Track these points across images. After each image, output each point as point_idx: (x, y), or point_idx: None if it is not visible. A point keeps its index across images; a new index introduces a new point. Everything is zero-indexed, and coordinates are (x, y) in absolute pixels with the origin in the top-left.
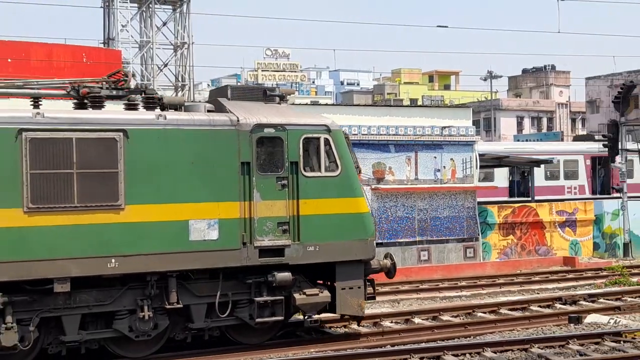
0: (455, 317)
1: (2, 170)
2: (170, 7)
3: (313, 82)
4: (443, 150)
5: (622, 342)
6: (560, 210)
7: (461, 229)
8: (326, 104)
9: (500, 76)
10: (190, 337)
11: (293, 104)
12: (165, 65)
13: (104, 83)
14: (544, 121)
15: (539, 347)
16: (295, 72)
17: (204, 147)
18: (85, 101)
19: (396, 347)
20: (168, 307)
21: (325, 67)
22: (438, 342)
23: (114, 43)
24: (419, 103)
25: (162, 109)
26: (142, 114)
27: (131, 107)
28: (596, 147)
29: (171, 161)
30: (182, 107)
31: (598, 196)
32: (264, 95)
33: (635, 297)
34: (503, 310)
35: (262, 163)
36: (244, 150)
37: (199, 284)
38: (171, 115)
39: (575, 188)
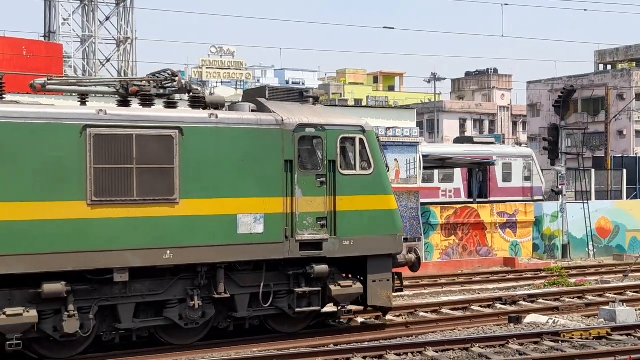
0: (398, 316)
1: (68, 165)
2: (113, 1)
3: (258, 80)
4: (387, 151)
5: (560, 342)
6: (501, 211)
7: (404, 229)
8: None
9: (444, 78)
10: (232, 325)
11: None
12: (108, 60)
13: (152, 82)
14: (486, 124)
15: (479, 347)
16: (241, 70)
17: (252, 145)
18: (129, 99)
19: (339, 347)
20: (216, 296)
21: (270, 66)
22: (381, 341)
23: (55, 37)
24: (364, 103)
25: (204, 108)
26: (196, 113)
27: (170, 105)
28: (474, 150)
29: (222, 158)
30: (223, 106)
31: (535, 198)
32: (300, 96)
33: (573, 298)
34: (445, 310)
35: (303, 161)
36: (288, 148)
37: (244, 275)
38: (222, 114)
39: (450, 191)
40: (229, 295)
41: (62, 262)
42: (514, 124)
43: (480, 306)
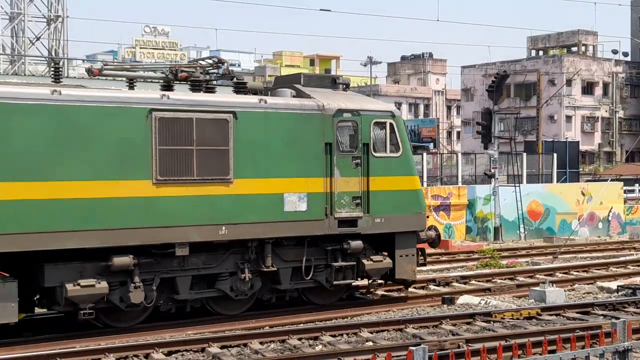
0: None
1: (136, 146)
2: None
3: None
4: None
5: (492, 322)
6: (435, 194)
7: None
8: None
9: (380, 62)
10: (274, 297)
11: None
12: (38, 38)
13: (199, 68)
14: (421, 107)
15: (413, 327)
16: (175, 50)
17: (296, 129)
18: (172, 84)
19: (275, 329)
20: (264, 269)
21: (205, 47)
22: (316, 323)
23: None
24: None
25: (245, 94)
26: (248, 98)
27: (209, 90)
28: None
29: (270, 141)
30: (262, 92)
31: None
32: (333, 83)
33: (504, 279)
34: (380, 292)
35: (341, 144)
36: (327, 132)
37: (287, 250)
38: (270, 100)
39: None
40: (275, 269)
41: (131, 236)
42: (449, 108)
43: (414, 287)
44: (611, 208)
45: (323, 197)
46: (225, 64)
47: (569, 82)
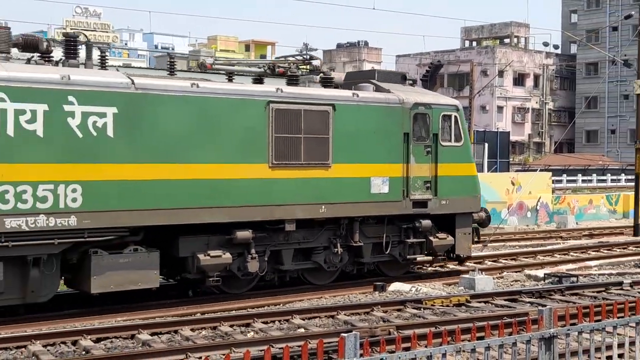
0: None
1: (256, 134)
2: None
3: (125, 44)
4: None
5: (422, 309)
6: None
7: None
8: (140, 68)
9: (316, 49)
10: (355, 270)
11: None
12: None
13: (293, 64)
14: None
15: (345, 314)
16: (107, 32)
17: (382, 120)
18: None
19: (206, 315)
20: (353, 244)
21: (139, 30)
22: (248, 309)
23: None
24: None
25: (326, 87)
26: (344, 92)
27: (292, 81)
28: None
29: (360, 130)
30: (338, 86)
31: None
32: (403, 79)
33: (435, 267)
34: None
35: (415, 134)
36: (406, 123)
37: (370, 228)
38: (362, 93)
39: None
40: (362, 244)
41: (251, 213)
42: None
43: (349, 276)
44: (539, 198)
45: (401, 181)
46: (320, 61)
47: (500, 73)
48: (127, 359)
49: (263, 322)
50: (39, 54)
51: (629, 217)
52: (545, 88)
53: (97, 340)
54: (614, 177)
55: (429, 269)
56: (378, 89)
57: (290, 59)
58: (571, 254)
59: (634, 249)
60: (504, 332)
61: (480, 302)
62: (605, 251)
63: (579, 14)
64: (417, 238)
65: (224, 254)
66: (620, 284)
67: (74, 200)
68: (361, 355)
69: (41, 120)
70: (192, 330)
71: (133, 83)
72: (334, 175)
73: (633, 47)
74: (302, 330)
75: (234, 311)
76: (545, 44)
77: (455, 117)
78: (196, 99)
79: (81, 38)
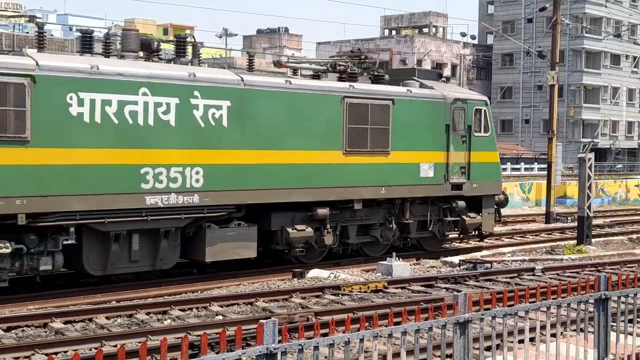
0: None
1: (334, 124)
2: None
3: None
4: None
5: (340, 295)
6: None
7: None
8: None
9: (236, 35)
10: (402, 244)
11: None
12: None
13: (350, 62)
14: None
15: (264, 301)
16: (19, 12)
17: (429, 113)
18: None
19: (122, 303)
20: (404, 221)
21: (53, 10)
22: (165, 297)
23: None
24: None
25: (375, 82)
26: (401, 89)
27: (349, 78)
28: None
29: (412, 122)
30: (388, 82)
31: None
32: (439, 76)
33: (462, 242)
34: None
35: (454, 125)
36: (447, 116)
37: (416, 207)
38: (414, 90)
39: None
40: (411, 221)
41: (329, 194)
42: None
43: (267, 263)
44: None
45: (443, 167)
46: (375, 60)
47: (419, 62)
48: (39, 348)
49: (180, 310)
50: (148, 52)
51: (541, 205)
52: (463, 78)
53: (8, 330)
54: (527, 166)
55: (461, 244)
56: (422, 85)
57: (356, 58)
58: (485, 240)
59: (545, 236)
60: (420, 317)
61: (397, 287)
62: (519, 238)
63: (496, 5)
64: (453, 217)
65: (307, 228)
66: (532, 269)
67: (197, 181)
68: (279, 341)
69: (174, 112)
70: (107, 318)
71: (242, 80)
72: (392, 161)
73: (547, 39)
74: (220, 317)
75: (150, 299)
76: (463, 35)
77: (485, 110)
78: (288, 94)
79: (189, 39)
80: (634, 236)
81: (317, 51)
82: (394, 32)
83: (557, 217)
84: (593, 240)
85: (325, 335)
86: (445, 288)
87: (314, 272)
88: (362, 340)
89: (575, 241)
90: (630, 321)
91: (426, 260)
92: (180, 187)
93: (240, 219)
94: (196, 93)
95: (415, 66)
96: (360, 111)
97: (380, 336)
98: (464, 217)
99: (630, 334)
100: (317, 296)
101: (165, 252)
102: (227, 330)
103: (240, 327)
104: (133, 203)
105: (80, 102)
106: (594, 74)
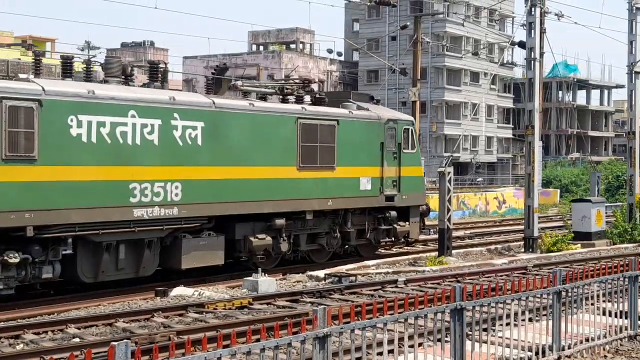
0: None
1: (289, 142)
2: None
3: None
4: None
5: (204, 313)
6: None
7: None
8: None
9: (99, 47)
10: (342, 251)
11: None
12: None
13: (295, 86)
14: None
15: (124, 322)
16: None
17: (367, 132)
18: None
19: None
20: (347, 229)
21: None
22: (18, 320)
23: None
24: None
25: (316, 104)
26: (344, 110)
27: (316, 102)
28: None
29: (354, 140)
30: (325, 103)
31: None
32: (371, 99)
33: (392, 249)
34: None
35: (387, 143)
36: (381, 134)
37: (356, 217)
38: (354, 111)
39: None
40: (352, 230)
41: (285, 205)
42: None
43: (130, 281)
44: None
45: (378, 180)
46: (313, 84)
47: (287, 78)
48: None
49: (34, 333)
50: (124, 77)
51: None
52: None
53: None
54: None
55: (393, 249)
56: (359, 107)
57: (298, 83)
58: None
59: (408, 248)
60: (278, 334)
61: (262, 303)
62: (383, 251)
63: (361, 23)
64: (386, 226)
65: (266, 237)
66: (395, 282)
67: (176, 195)
68: None
69: (157, 132)
70: None
71: (214, 103)
72: (337, 176)
73: (410, 57)
74: (77, 340)
75: (1, 322)
76: (330, 51)
77: (411, 130)
78: (251, 115)
79: (161, 65)
80: (492, 247)
81: (183, 65)
82: (261, 48)
83: (422, 229)
84: (454, 251)
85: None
86: (310, 302)
87: (178, 290)
88: (219, 359)
89: (437, 253)
90: (485, 330)
91: (292, 275)
92: (162, 200)
93: (210, 230)
94: (175, 115)
95: (350, 90)
96: (311, 131)
97: (239, 354)
98: (395, 225)
99: (485, 342)
100: (181, 315)
101: (149, 260)
102: (82, 353)
103: (90, 351)
104: (122, 215)
105: (79, 124)
106: (455, 91)
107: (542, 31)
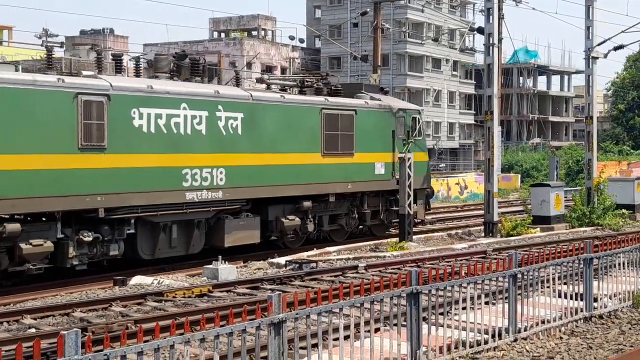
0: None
1: (314, 131)
2: None
3: None
4: None
5: (163, 302)
6: None
7: None
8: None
9: (57, 35)
10: (358, 230)
11: None
12: None
13: (314, 79)
14: None
15: (81, 311)
16: None
17: (381, 121)
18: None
19: None
20: (363, 211)
21: None
22: None
23: None
24: None
25: (333, 95)
26: (360, 101)
27: (329, 92)
28: None
29: (370, 128)
30: (343, 94)
31: None
32: (381, 90)
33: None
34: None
35: (398, 131)
36: (393, 123)
37: (371, 199)
38: (370, 101)
39: None
40: (368, 211)
41: (312, 189)
42: None
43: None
44: None
45: (391, 165)
46: (329, 77)
47: (249, 65)
48: None
49: None
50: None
51: None
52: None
53: None
54: None
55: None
56: (372, 98)
57: (316, 76)
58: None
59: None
60: (233, 320)
61: (222, 291)
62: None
63: (323, 9)
64: (397, 207)
65: (295, 218)
66: (356, 267)
67: (221, 179)
68: (83, 353)
69: (204, 123)
70: None
71: (251, 95)
72: (356, 161)
73: (371, 43)
74: (34, 330)
75: None
76: (292, 38)
77: (419, 118)
78: (283, 107)
79: (202, 61)
80: (453, 232)
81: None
82: (223, 35)
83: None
84: (414, 237)
85: (147, 342)
86: (270, 289)
87: (137, 279)
88: (172, 347)
89: (397, 238)
90: (442, 313)
91: (253, 262)
92: (209, 184)
93: (247, 211)
94: (220, 107)
95: (361, 81)
96: (333, 120)
97: (194, 340)
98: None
99: (442, 325)
100: (139, 304)
101: (197, 239)
102: (41, 342)
103: (38, 340)
104: (176, 198)
105: (140, 116)
106: (417, 77)
107: (501, 17)
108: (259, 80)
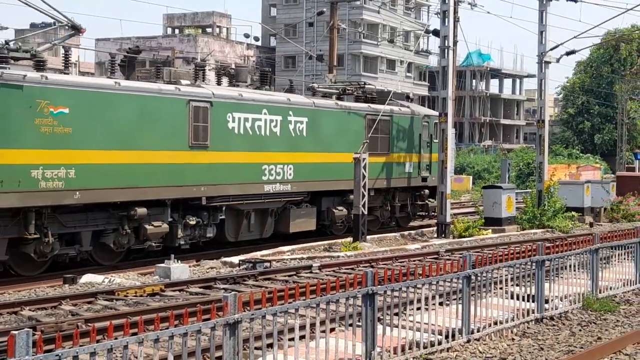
0: None
1: (359, 134)
2: None
3: None
4: None
5: (114, 301)
6: None
7: None
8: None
9: (6, 28)
10: (388, 222)
11: None
12: None
13: (355, 88)
14: None
15: (30, 310)
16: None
17: (410, 126)
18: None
19: None
20: (395, 204)
21: None
22: None
23: None
24: None
25: (371, 102)
26: (396, 107)
27: (355, 99)
28: None
29: (402, 132)
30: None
31: None
32: (407, 98)
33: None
34: None
35: (423, 134)
36: (419, 128)
37: (400, 194)
38: (401, 109)
39: None
40: (398, 204)
41: (341, 185)
42: None
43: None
44: None
45: (417, 165)
46: (366, 85)
47: (203, 61)
48: None
49: None
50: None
51: None
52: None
53: None
54: None
55: (423, 221)
56: (402, 105)
57: (356, 84)
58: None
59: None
60: (188, 320)
61: (175, 290)
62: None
63: (278, 8)
64: (421, 201)
65: (343, 209)
66: (310, 267)
67: (290, 174)
68: (34, 353)
69: (279, 126)
70: None
71: (314, 103)
72: (391, 160)
73: (327, 43)
74: None
75: None
76: (247, 36)
77: (437, 122)
78: (336, 113)
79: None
80: (406, 232)
81: (96, 47)
82: (177, 31)
83: None
84: (368, 237)
85: (99, 341)
86: (224, 289)
87: (87, 277)
88: (126, 347)
89: (351, 238)
90: (397, 314)
91: (206, 261)
92: (281, 179)
93: (306, 202)
94: (290, 112)
95: (388, 89)
96: (375, 124)
97: (147, 341)
98: (427, 202)
99: (397, 326)
100: (90, 302)
101: (269, 225)
102: None
103: None
104: (257, 190)
105: (233, 119)
106: (372, 78)
107: (456, 20)
108: (309, 89)
